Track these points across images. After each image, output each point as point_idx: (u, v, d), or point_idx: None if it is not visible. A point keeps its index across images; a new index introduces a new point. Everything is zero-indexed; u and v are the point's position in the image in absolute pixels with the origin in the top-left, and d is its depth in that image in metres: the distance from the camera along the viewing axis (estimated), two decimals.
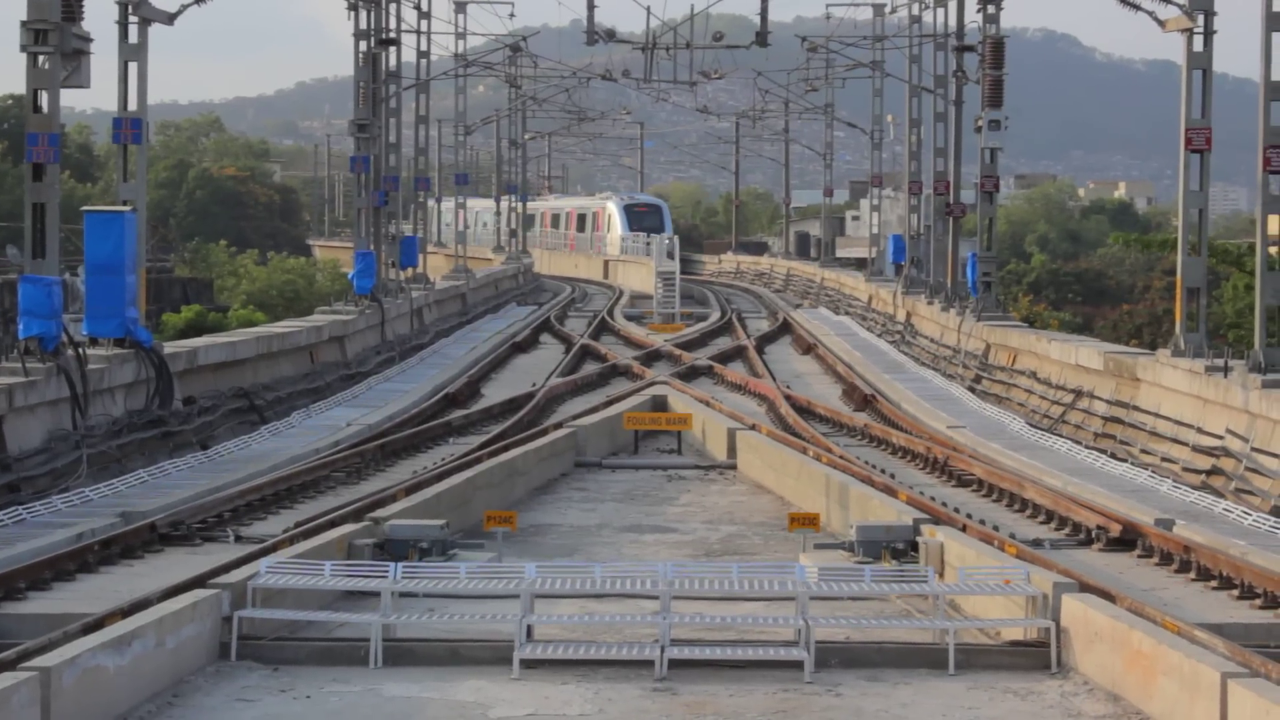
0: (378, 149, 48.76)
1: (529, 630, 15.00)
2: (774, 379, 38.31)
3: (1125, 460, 27.90)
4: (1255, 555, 18.51)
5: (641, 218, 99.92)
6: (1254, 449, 25.45)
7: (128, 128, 30.05)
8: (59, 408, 24.91)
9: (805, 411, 32.76)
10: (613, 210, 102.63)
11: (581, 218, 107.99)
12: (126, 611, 14.53)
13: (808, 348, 48.24)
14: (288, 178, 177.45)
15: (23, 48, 25.50)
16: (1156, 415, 29.74)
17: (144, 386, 27.82)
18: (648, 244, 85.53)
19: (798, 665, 14.57)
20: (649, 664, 14.59)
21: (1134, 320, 72.53)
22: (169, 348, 30.24)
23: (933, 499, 22.11)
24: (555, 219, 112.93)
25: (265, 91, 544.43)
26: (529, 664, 14.62)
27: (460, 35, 69.81)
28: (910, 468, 26.92)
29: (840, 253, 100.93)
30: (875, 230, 72.29)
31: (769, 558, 20.09)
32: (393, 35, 50.74)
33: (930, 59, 53.52)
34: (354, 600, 16.73)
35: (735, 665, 14.73)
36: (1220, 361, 27.92)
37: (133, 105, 30.05)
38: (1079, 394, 33.83)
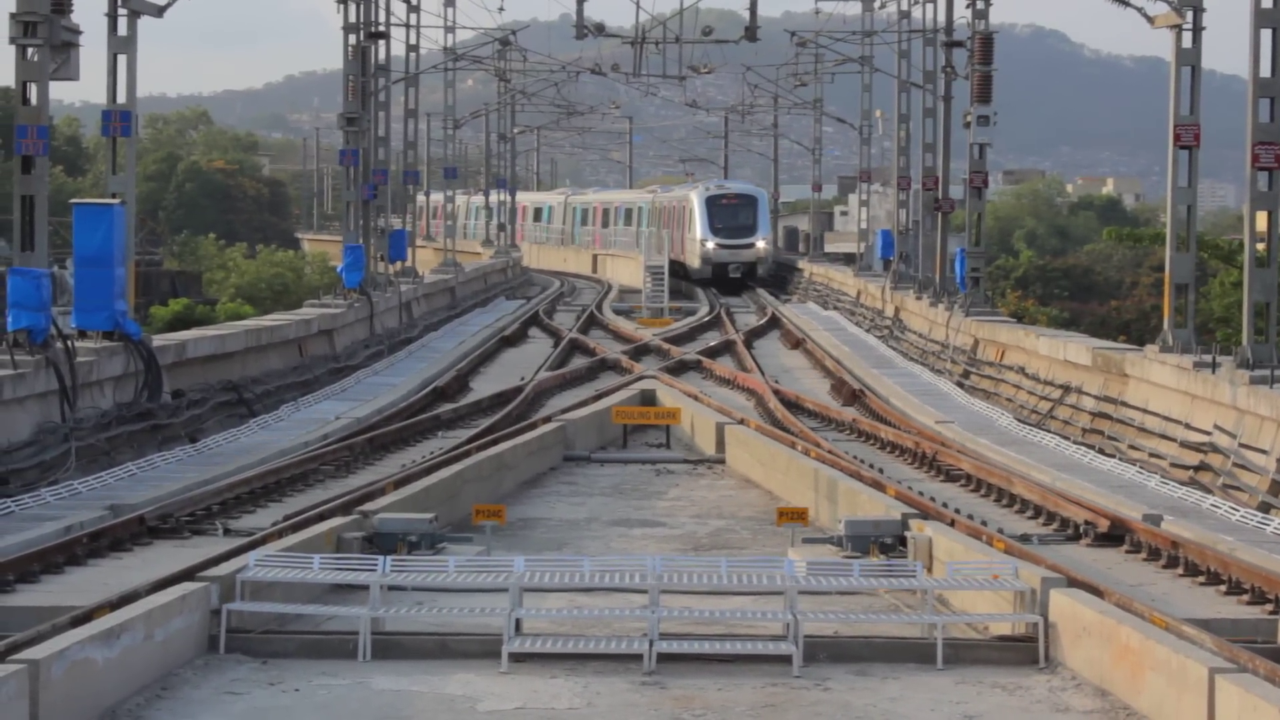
0: (367, 142, 48.69)
1: (518, 624, 15.02)
2: (762, 373, 38.31)
3: (1113, 456, 27.92)
4: (1243, 551, 18.54)
5: (731, 213, 76.81)
6: (1241, 445, 25.47)
7: (117, 120, 29.97)
8: (48, 400, 24.88)
9: (794, 406, 32.76)
10: (694, 204, 78.13)
11: (673, 213, 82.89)
12: (115, 604, 14.52)
13: (796, 343, 48.25)
14: (276, 171, 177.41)
15: (12, 40, 25.47)
16: (1145, 411, 29.76)
17: (132, 379, 27.79)
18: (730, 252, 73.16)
19: (786, 659, 14.59)
20: (638, 658, 14.60)
21: (1121, 316, 72.65)
22: (157, 340, 30.19)
23: (921, 494, 22.12)
24: (666, 215, 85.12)
25: (254, 85, 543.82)
26: (517, 657, 14.63)
27: (449, 29, 69.75)
28: (899, 462, 26.92)
29: (829, 248, 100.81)
30: (864, 225, 72.23)
31: (757, 552, 20.12)
32: (382, 29, 50.67)
33: (919, 54, 53.54)
34: (343, 593, 16.74)
35: (724, 659, 14.74)
36: (1208, 357, 27.94)
37: (122, 98, 29.97)
38: (1067, 389, 33.85)
